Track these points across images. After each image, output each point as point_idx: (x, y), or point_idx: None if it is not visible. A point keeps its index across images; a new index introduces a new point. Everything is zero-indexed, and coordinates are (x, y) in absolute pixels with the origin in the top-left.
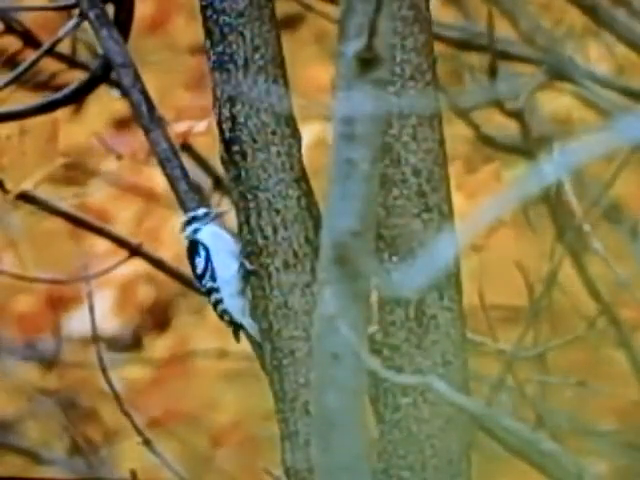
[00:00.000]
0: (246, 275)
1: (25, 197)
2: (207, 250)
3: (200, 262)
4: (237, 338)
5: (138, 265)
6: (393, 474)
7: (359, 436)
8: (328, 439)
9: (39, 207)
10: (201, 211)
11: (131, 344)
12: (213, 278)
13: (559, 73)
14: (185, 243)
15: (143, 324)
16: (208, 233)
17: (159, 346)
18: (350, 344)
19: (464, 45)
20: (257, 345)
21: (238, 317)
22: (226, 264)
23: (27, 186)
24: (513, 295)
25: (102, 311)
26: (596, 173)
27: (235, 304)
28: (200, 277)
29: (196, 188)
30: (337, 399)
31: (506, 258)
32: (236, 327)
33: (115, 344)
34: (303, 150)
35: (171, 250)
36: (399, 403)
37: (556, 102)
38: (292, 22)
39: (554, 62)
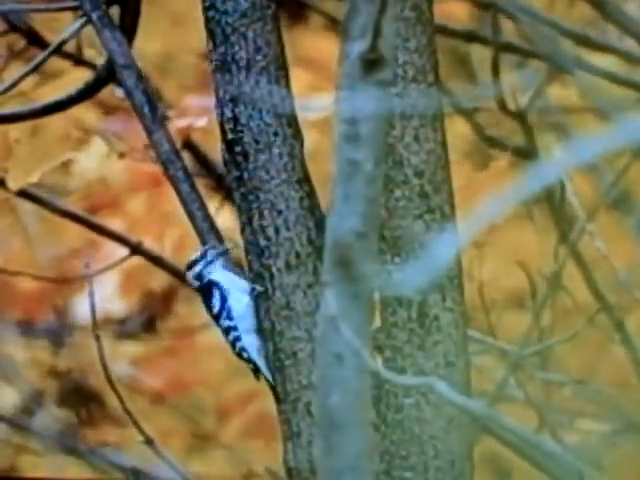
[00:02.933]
0: (257, 302)
1: (27, 195)
2: (221, 289)
3: (216, 302)
4: (257, 377)
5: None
6: (395, 475)
7: (362, 437)
8: (331, 440)
9: (41, 205)
10: (197, 254)
11: (141, 327)
12: (230, 317)
13: (563, 68)
14: (195, 285)
15: (151, 307)
16: (219, 272)
17: (169, 328)
18: (353, 345)
19: (470, 37)
20: (271, 386)
21: (254, 355)
22: (239, 301)
23: (32, 179)
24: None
25: (109, 293)
26: (608, 161)
27: (251, 341)
28: (217, 317)
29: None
30: (340, 400)
31: (509, 255)
32: (254, 365)
33: (125, 327)
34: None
35: (180, 233)
36: (401, 404)
37: (561, 96)
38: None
39: (558, 56)
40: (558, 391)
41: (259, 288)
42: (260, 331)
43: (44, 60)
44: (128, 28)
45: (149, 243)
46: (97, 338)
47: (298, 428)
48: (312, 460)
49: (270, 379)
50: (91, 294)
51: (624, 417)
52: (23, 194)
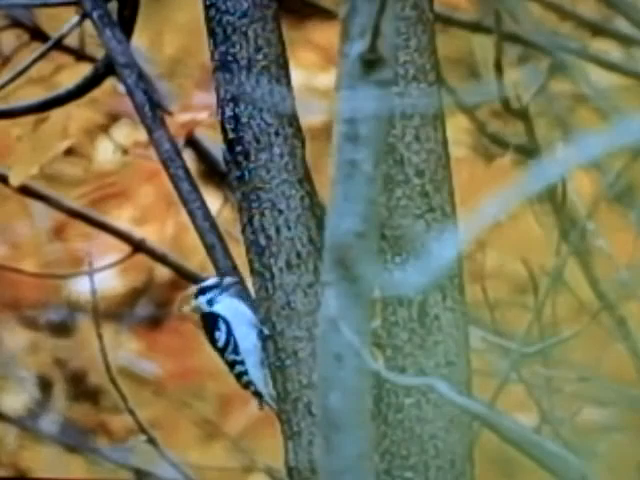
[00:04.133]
0: (264, 342)
1: (31, 193)
2: (227, 323)
3: (221, 336)
4: (262, 406)
5: (148, 236)
6: (396, 474)
7: (363, 437)
8: (332, 440)
9: (45, 203)
10: (212, 281)
11: (146, 318)
12: (236, 351)
13: (565, 59)
14: (198, 314)
15: (156, 298)
16: (226, 305)
17: (174, 319)
18: (353, 345)
19: (474, 27)
20: (279, 416)
21: (261, 388)
22: (247, 336)
23: (31, 172)
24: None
25: (110, 278)
26: (611, 157)
27: (258, 375)
28: (222, 350)
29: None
30: (341, 400)
31: (513, 250)
32: (261, 397)
33: (130, 318)
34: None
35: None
36: (402, 403)
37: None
38: None
39: (561, 46)
40: (560, 385)
41: (266, 331)
42: (264, 363)
43: (42, 56)
44: (127, 22)
45: (157, 231)
46: (99, 337)
47: (298, 428)
48: (313, 460)
49: (276, 409)
50: (93, 292)
51: (624, 412)
52: (26, 191)
